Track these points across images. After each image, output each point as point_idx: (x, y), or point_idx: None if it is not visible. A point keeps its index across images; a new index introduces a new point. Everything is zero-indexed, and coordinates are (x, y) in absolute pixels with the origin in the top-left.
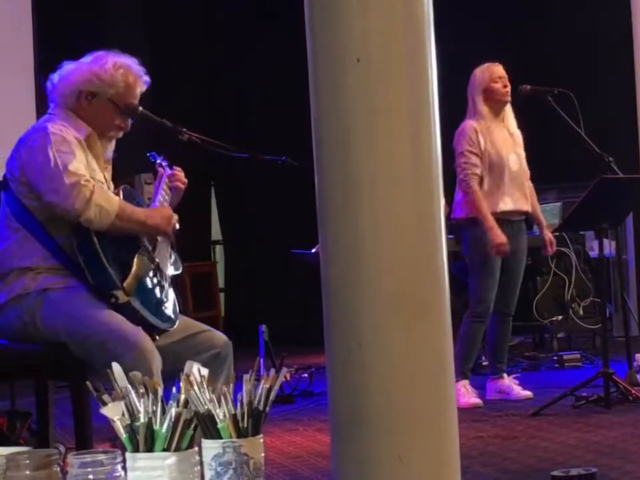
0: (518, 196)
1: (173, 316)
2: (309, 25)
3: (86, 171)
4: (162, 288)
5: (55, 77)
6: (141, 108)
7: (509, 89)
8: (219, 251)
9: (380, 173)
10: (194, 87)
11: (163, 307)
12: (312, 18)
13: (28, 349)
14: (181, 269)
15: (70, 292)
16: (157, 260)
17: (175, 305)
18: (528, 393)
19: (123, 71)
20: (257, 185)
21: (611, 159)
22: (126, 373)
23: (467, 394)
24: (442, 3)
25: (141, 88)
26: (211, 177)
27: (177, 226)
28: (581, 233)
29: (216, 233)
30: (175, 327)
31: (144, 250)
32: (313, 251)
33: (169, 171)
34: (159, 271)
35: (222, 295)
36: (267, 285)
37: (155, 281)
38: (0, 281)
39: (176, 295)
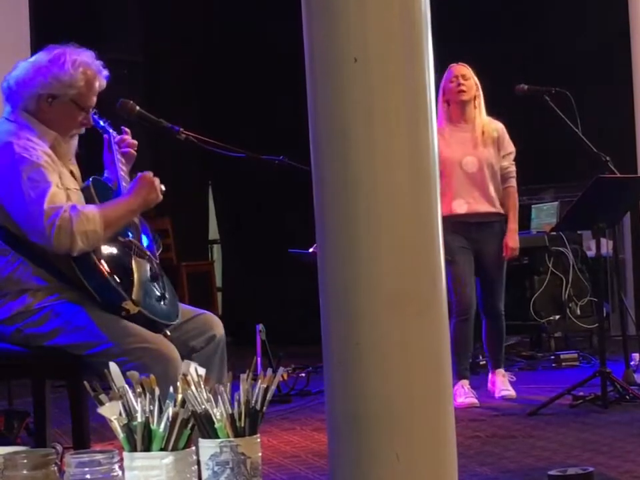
0: (477, 198)
1: (175, 306)
2: (307, 23)
3: (62, 196)
4: (158, 280)
5: (11, 79)
6: (138, 107)
7: (464, 87)
8: (216, 250)
9: (377, 172)
10: (190, 86)
11: (165, 301)
12: (309, 17)
13: (24, 348)
14: (160, 248)
15: (74, 306)
16: (147, 252)
17: (172, 292)
18: (507, 393)
19: (82, 69)
20: (255, 185)
21: (608, 158)
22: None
23: (464, 394)
24: (440, 2)
25: (100, 83)
26: (208, 176)
27: (163, 187)
28: (579, 232)
29: (213, 232)
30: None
31: (135, 248)
32: (311, 250)
33: (115, 136)
34: (151, 263)
35: (219, 294)
36: (265, 285)
37: (152, 275)
38: None
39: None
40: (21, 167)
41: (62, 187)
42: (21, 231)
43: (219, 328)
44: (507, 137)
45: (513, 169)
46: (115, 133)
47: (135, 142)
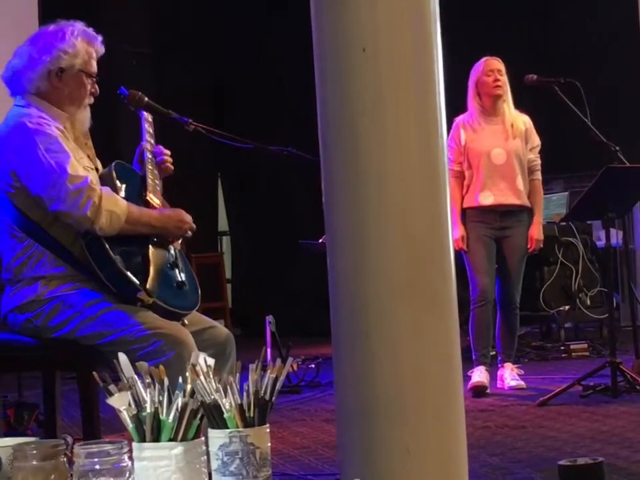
0: (504, 190)
1: (195, 293)
2: (315, 14)
3: (82, 169)
4: (178, 266)
5: (16, 65)
6: (146, 98)
7: (500, 82)
8: (225, 242)
9: (387, 162)
10: (199, 76)
11: (185, 288)
12: (318, 7)
13: (35, 339)
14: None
15: (87, 295)
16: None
17: (192, 278)
18: (516, 383)
19: (81, 37)
20: (264, 176)
21: (617, 148)
22: (169, 369)
23: (476, 374)
24: None
25: (98, 49)
26: (217, 167)
27: (190, 233)
28: (588, 222)
29: (222, 224)
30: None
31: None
32: (320, 241)
33: (146, 144)
34: (170, 250)
35: (229, 286)
36: (274, 276)
37: (171, 262)
38: (10, 287)
39: None
40: (37, 139)
41: (78, 162)
42: (39, 211)
43: (228, 342)
44: (533, 130)
45: (539, 162)
46: (150, 142)
47: (170, 159)
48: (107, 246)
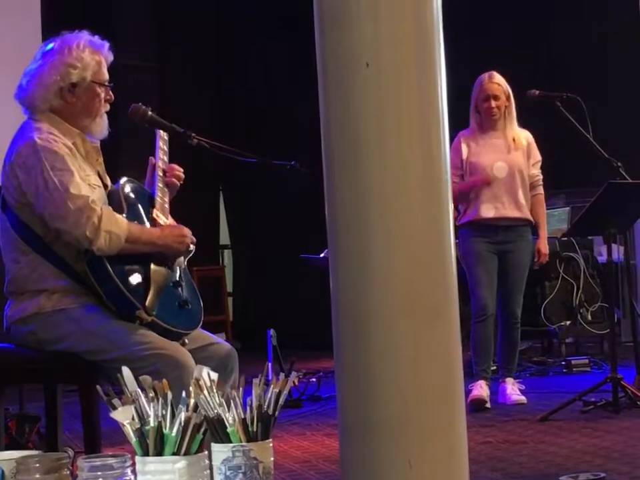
0: (506, 203)
1: (197, 313)
2: (319, 29)
3: (86, 188)
4: (181, 285)
5: (26, 84)
6: (150, 112)
7: (495, 110)
8: (227, 255)
9: (390, 177)
10: (202, 90)
11: (187, 306)
12: (321, 22)
13: (37, 352)
14: (193, 249)
15: (89, 310)
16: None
17: (196, 297)
18: (518, 398)
19: (88, 49)
20: (266, 190)
21: (619, 163)
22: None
23: (476, 388)
24: (452, 7)
25: (106, 56)
26: (219, 181)
27: (192, 247)
28: (589, 237)
29: (224, 237)
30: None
31: (155, 254)
32: (322, 255)
33: (158, 162)
34: (174, 269)
35: (230, 299)
36: (276, 289)
37: (175, 280)
38: (13, 299)
39: None
40: (44, 156)
41: (84, 179)
42: (43, 226)
43: (230, 358)
44: (535, 145)
45: (541, 177)
46: (163, 160)
47: (182, 174)
48: (107, 263)
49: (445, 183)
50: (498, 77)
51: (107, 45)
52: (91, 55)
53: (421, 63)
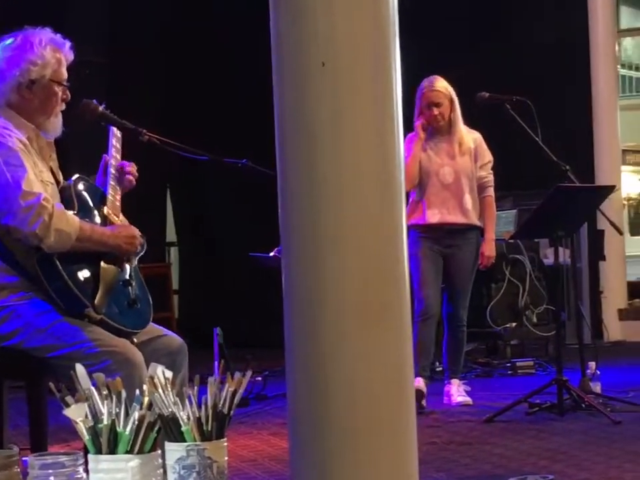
0: (451, 208)
1: (147, 312)
2: (274, 28)
3: (39, 185)
4: (131, 284)
5: None
6: (101, 108)
7: (438, 118)
8: (173, 252)
9: (344, 177)
10: (153, 87)
11: (137, 305)
12: (277, 21)
13: None
14: (145, 247)
15: (39, 307)
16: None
17: (146, 297)
18: (463, 399)
19: (50, 46)
20: (215, 187)
21: (567, 167)
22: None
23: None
24: (406, 8)
25: (67, 55)
26: (166, 178)
27: (142, 248)
28: (536, 240)
29: (170, 234)
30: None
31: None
32: (272, 254)
33: (111, 159)
34: (124, 267)
35: (176, 297)
36: (223, 288)
37: (124, 279)
38: None
39: None
40: None
41: (37, 176)
42: None
43: (180, 350)
44: (484, 146)
45: (491, 178)
46: (116, 157)
47: (136, 173)
48: (57, 261)
49: (399, 183)
50: (439, 83)
51: (68, 44)
52: (52, 53)
53: (377, 63)
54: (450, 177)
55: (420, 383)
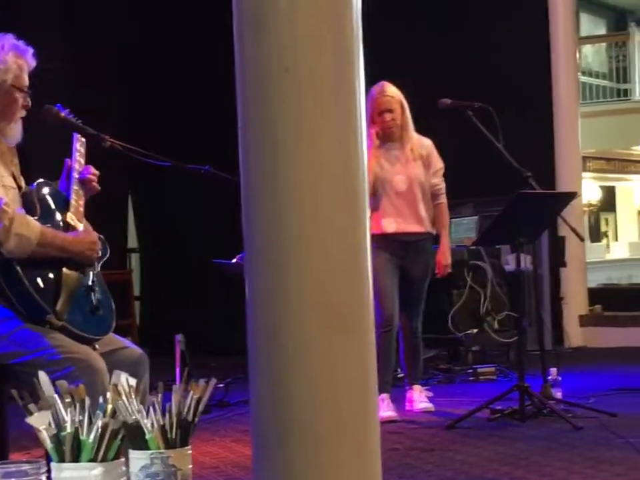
0: (407, 217)
1: (109, 319)
2: (237, 34)
3: (0, 189)
4: (94, 290)
5: None
6: (63, 114)
7: (390, 124)
8: (134, 259)
9: (307, 184)
10: (113, 92)
11: (99, 312)
12: (240, 27)
13: None
14: (108, 252)
15: (0, 313)
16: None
17: (109, 303)
18: (425, 405)
19: (12, 52)
20: (177, 194)
21: (528, 173)
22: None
23: (383, 407)
24: (369, 14)
25: (29, 62)
26: (127, 184)
27: (100, 253)
28: (497, 247)
29: (132, 241)
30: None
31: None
32: (234, 260)
33: (74, 164)
34: (87, 273)
35: (137, 304)
36: (185, 294)
37: (87, 285)
38: None
39: None
40: None
41: None
42: None
43: (142, 363)
44: (435, 153)
45: (443, 185)
46: (80, 162)
47: (96, 176)
48: (18, 267)
49: (363, 190)
50: (390, 90)
51: (30, 50)
52: (14, 59)
53: (340, 69)
54: (403, 185)
55: (388, 405)
